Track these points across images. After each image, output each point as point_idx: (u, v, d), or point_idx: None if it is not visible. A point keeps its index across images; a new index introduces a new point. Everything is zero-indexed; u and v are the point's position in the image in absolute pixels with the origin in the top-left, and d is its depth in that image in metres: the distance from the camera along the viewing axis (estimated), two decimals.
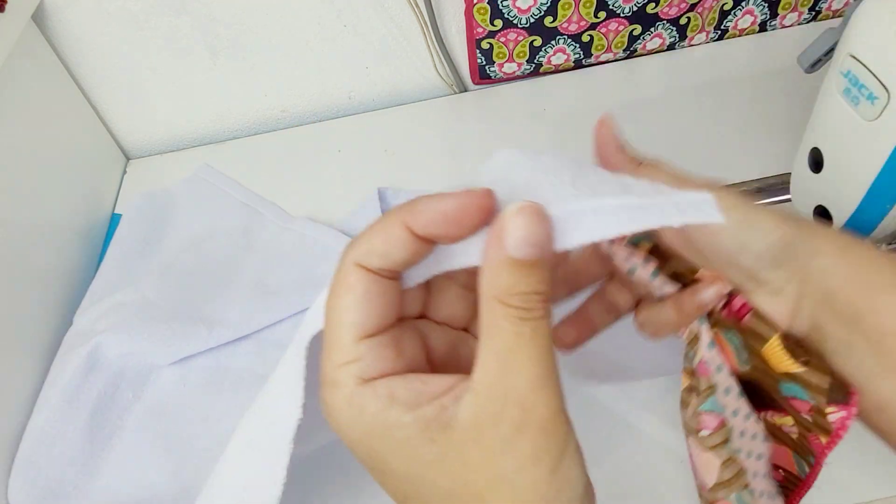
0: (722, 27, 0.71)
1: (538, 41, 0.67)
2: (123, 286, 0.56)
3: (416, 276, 0.24)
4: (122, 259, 0.59)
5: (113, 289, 0.56)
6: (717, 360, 0.30)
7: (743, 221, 0.27)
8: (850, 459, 0.40)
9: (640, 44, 0.69)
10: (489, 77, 0.71)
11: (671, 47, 0.71)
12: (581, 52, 0.69)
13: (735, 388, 0.30)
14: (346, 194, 0.63)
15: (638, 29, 0.67)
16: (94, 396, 0.48)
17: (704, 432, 0.29)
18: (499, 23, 0.64)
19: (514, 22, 0.64)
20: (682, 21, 0.68)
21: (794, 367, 0.27)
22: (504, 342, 0.21)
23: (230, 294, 0.54)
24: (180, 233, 0.61)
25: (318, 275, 0.54)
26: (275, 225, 0.61)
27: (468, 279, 0.26)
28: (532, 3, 0.63)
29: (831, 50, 0.38)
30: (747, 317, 0.28)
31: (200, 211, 0.63)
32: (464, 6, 0.64)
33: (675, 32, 0.69)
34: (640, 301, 0.33)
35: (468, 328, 0.27)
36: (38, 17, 0.61)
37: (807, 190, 0.43)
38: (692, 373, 0.30)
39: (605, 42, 0.68)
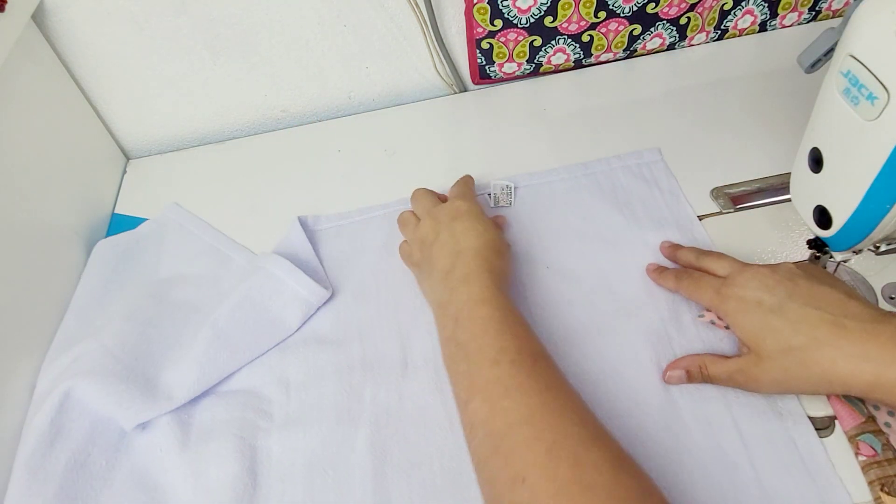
0: (722, 27, 0.71)
1: (538, 41, 0.67)
2: (82, 337, 0.52)
3: None
4: (83, 310, 0.56)
5: (72, 341, 0.53)
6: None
7: None
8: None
9: (640, 44, 0.69)
10: (489, 77, 0.71)
11: (671, 47, 0.71)
12: (581, 52, 0.69)
13: None
14: (345, 194, 0.63)
15: (638, 29, 0.67)
16: (62, 467, 0.44)
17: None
18: (499, 23, 0.64)
19: (514, 22, 0.64)
20: (682, 21, 0.68)
21: None
22: None
23: (189, 349, 0.50)
24: (145, 278, 0.58)
25: (271, 317, 0.52)
26: (241, 270, 0.58)
27: None
28: (532, 3, 0.63)
29: (831, 50, 0.39)
30: None
31: (167, 255, 0.60)
32: (464, 6, 0.64)
33: (675, 32, 0.69)
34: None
35: None
36: (38, 17, 0.61)
37: (807, 190, 0.43)
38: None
39: (605, 42, 0.68)
